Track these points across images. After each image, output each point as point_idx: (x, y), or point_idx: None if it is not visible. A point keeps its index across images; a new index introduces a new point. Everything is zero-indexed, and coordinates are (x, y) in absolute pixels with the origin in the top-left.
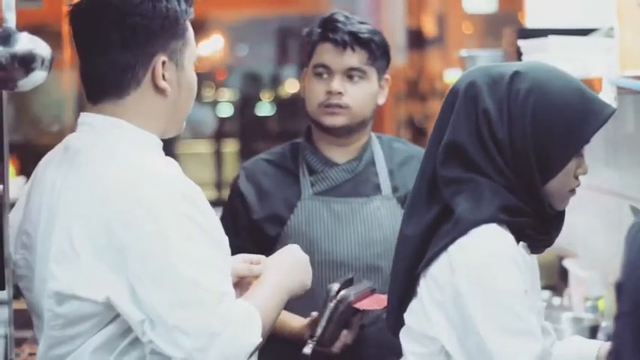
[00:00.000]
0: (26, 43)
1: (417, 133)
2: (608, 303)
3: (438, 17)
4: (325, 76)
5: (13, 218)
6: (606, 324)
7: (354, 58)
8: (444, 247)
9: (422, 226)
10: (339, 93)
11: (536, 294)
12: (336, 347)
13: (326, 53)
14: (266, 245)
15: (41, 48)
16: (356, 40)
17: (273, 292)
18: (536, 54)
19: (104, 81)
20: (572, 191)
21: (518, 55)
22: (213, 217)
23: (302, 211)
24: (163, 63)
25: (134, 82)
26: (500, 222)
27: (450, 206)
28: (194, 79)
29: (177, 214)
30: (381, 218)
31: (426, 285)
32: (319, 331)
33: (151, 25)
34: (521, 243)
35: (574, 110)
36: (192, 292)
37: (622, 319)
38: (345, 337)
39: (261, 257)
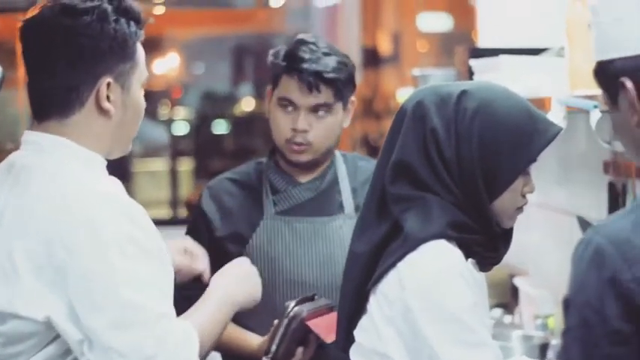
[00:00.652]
0: None
1: (371, 152)
2: (558, 321)
3: (394, 36)
4: (290, 109)
5: None
6: (556, 342)
7: (319, 97)
8: (394, 264)
9: (371, 244)
10: (305, 131)
11: (484, 311)
12: None
13: (291, 89)
14: (227, 263)
15: None
16: (322, 80)
17: (219, 305)
18: (487, 73)
19: (50, 100)
20: (520, 209)
21: (470, 74)
22: (155, 237)
23: (264, 231)
24: (108, 84)
25: (78, 103)
26: (448, 238)
27: (399, 223)
28: (141, 100)
29: (118, 233)
30: (344, 237)
31: (376, 301)
32: (273, 347)
33: (99, 46)
34: (469, 260)
35: (520, 129)
36: (129, 314)
37: (570, 334)
38: (300, 354)
39: (201, 250)
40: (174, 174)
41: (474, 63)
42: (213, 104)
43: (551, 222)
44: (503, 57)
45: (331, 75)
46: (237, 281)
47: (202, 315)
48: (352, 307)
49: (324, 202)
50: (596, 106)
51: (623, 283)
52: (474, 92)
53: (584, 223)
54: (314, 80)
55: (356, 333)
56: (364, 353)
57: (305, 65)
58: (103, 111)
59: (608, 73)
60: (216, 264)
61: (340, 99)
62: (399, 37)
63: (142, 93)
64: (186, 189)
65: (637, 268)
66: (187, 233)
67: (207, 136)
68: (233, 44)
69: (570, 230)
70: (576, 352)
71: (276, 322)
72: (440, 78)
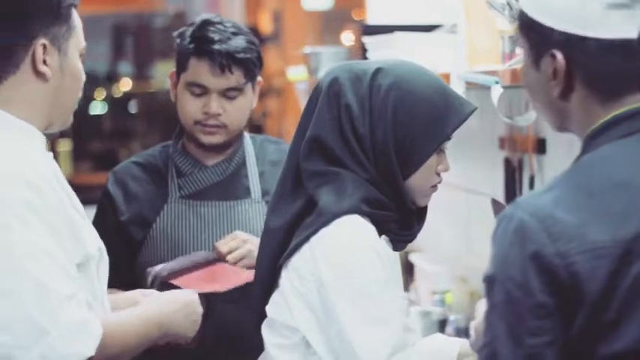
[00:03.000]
0: None
1: (254, 130)
2: (455, 296)
3: (274, 14)
4: (200, 92)
5: None
6: (454, 317)
7: (231, 78)
8: (307, 238)
9: (286, 219)
10: (218, 114)
11: (398, 289)
12: None
13: (202, 73)
14: (134, 247)
15: None
16: (233, 61)
17: (143, 320)
18: (382, 50)
19: None
20: (434, 187)
21: (363, 51)
22: (60, 212)
23: (168, 214)
24: (44, 47)
25: (12, 65)
26: (362, 214)
27: (313, 199)
28: (80, 68)
29: (20, 206)
30: (249, 221)
31: (288, 276)
32: None
33: (32, 4)
34: (383, 237)
35: (435, 107)
36: (23, 287)
37: (495, 311)
38: None
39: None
40: (53, 155)
41: (367, 40)
42: (91, 85)
43: (446, 198)
44: (398, 34)
45: (242, 55)
46: (181, 313)
47: (119, 317)
48: (266, 281)
49: (230, 186)
50: (497, 82)
51: (547, 257)
52: (389, 69)
53: (497, 205)
54: (226, 62)
55: (268, 308)
56: (276, 328)
57: (216, 47)
58: (39, 74)
59: (539, 35)
60: (122, 248)
61: (251, 79)
62: (280, 16)
63: (80, 62)
64: (64, 170)
65: (560, 243)
66: (95, 217)
67: (85, 116)
68: (111, 24)
69: (466, 207)
70: (502, 328)
71: None
72: (331, 55)
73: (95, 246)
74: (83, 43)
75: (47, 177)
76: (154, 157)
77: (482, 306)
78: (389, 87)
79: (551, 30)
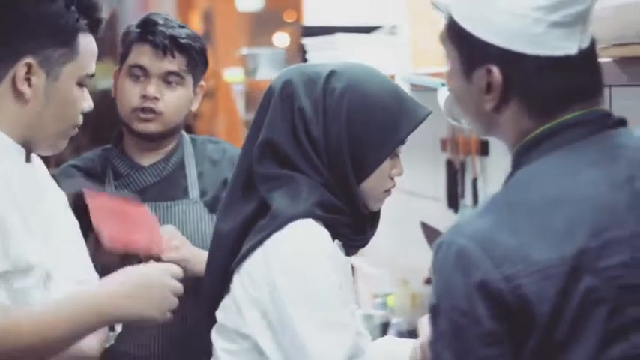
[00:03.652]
0: None
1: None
2: (397, 299)
3: (205, 15)
4: (141, 78)
5: None
6: (397, 320)
7: (173, 63)
8: (260, 242)
9: (237, 222)
10: (155, 98)
11: (349, 293)
12: None
13: (144, 55)
14: None
15: None
16: (176, 46)
17: (74, 307)
18: (323, 52)
19: None
20: (388, 192)
21: (302, 53)
22: None
23: None
24: (29, 66)
25: None
26: (316, 218)
27: (266, 202)
28: (71, 97)
29: None
30: (187, 222)
31: (240, 281)
32: None
33: (24, 23)
34: (336, 241)
35: (389, 111)
36: None
37: (440, 341)
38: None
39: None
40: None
41: (307, 41)
42: None
43: (387, 200)
44: (338, 35)
45: (186, 41)
46: (134, 293)
47: (48, 305)
48: (216, 286)
49: (167, 187)
50: (443, 84)
51: (493, 282)
52: (343, 72)
53: (427, 229)
54: (169, 44)
55: (218, 313)
56: (226, 334)
57: (160, 29)
58: (18, 94)
59: (473, 48)
60: None
61: (192, 71)
62: (211, 17)
63: (80, 91)
64: None
65: (505, 267)
66: None
67: None
68: None
69: (405, 209)
70: (448, 357)
71: None
72: (269, 57)
73: (30, 261)
74: (88, 71)
75: None
76: (92, 160)
77: (425, 323)
78: (343, 90)
79: (487, 45)
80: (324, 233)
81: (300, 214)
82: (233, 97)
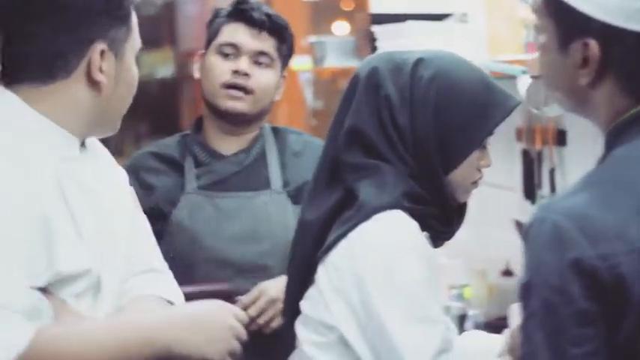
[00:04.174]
0: None
1: None
2: (474, 291)
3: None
4: (231, 56)
5: None
6: (473, 312)
7: (266, 43)
8: (345, 233)
9: (322, 212)
10: (246, 74)
11: (438, 286)
12: None
13: (237, 32)
14: None
15: None
16: (272, 24)
17: (125, 332)
18: (393, 40)
19: (28, 65)
20: (475, 183)
21: (372, 41)
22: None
23: (184, 206)
24: (102, 53)
25: (63, 71)
26: (403, 208)
27: (352, 192)
28: (135, 73)
29: None
30: (269, 214)
31: (326, 272)
32: None
33: (92, 5)
34: (424, 233)
35: (478, 100)
36: None
37: (532, 320)
38: None
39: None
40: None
41: (377, 29)
42: None
43: None
44: (410, 23)
45: (281, 21)
46: (190, 328)
47: (88, 331)
48: (301, 277)
49: (249, 177)
50: (524, 72)
51: (587, 260)
52: (431, 60)
53: (521, 226)
54: (266, 21)
55: (302, 304)
56: (311, 325)
57: (255, 6)
58: (94, 84)
59: (571, 20)
60: None
61: (281, 55)
62: (271, 5)
63: (136, 66)
64: None
65: (602, 244)
66: None
67: None
68: None
69: (481, 199)
70: (541, 338)
71: None
72: (337, 45)
73: (79, 267)
74: (139, 43)
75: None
76: (171, 146)
77: (515, 310)
78: (431, 78)
79: (587, 18)
80: (412, 225)
81: (388, 205)
82: (298, 86)
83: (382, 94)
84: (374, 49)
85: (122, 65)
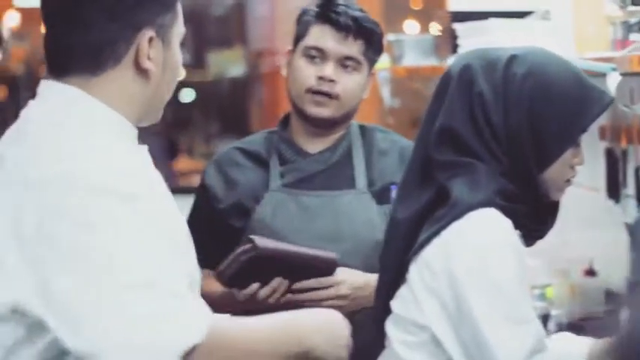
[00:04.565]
0: None
1: None
2: (556, 291)
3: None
4: (317, 60)
5: None
6: (556, 312)
7: (352, 47)
8: (438, 231)
9: (414, 211)
10: (332, 81)
11: (528, 286)
12: (240, 295)
13: (324, 36)
14: (232, 237)
15: None
16: (358, 28)
17: (275, 328)
18: (475, 37)
19: (76, 55)
20: (568, 181)
21: (453, 38)
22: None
23: (268, 203)
24: (150, 40)
25: (112, 59)
26: (497, 206)
27: (444, 190)
28: (180, 59)
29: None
30: (353, 213)
31: (418, 271)
32: (224, 264)
33: None
34: (516, 232)
35: (572, 96)
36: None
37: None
38: (255, 290)
39: None
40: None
41: (459, 27)
42: None
43: None
44: (492, 20)
45: (368, 25)
46: (322, 333)
47: (255, 320)
48: (392, 276)
49: (334, 176)
50: (614, 69)
51: None
52: (524, 57)
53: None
54: (353, 25)
55: (393, 303)
56: (402, 325)
57: (341, 10)
58: (142, 71)
59: None
60: (220, 239)
61: (369, 57)
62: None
63: (180, 52)
64: None
65: None
66: (192, 210)
67: None
68: None
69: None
70: None
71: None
72: (416, 43)
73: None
74: (184, 28)
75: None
76: (257, 142)
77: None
78: (525, 75)
79: None
80: (506, 223)
81: (481, 203)
82: (376, 84)
83: (475, 91)
84: (455, 47)
85: (169, 52)
